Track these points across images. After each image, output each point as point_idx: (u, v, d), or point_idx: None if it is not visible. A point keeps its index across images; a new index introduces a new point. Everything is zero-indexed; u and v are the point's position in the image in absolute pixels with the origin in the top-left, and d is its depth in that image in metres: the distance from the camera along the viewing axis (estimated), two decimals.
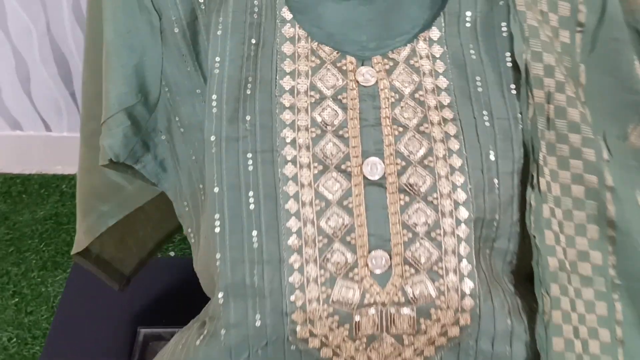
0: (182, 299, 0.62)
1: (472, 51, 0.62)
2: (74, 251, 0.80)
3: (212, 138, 0.58)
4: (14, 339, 1.47)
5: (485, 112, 0.60)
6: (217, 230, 0.57)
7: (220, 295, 0.58)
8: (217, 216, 0.57)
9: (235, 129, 0.58)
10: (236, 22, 0.60)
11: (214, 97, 0.59)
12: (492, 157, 0.59)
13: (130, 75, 0.61)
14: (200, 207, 0.60)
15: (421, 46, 0.61)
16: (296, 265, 0.57)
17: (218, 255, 0.57)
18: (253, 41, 0.60)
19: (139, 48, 0.61)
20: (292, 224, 0.57)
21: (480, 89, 0.61)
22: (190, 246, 0.67)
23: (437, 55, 0.61)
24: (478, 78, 0.61)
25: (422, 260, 0.58)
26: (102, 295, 0.97)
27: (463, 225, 0.58)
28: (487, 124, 0.60)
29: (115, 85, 0.61)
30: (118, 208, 0.77)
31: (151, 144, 0.62)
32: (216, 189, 0.57)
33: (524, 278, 0.64)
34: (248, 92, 0.59)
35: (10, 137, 1.68)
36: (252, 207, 0.57)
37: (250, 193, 0.58)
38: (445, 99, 0.60)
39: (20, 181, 1.78)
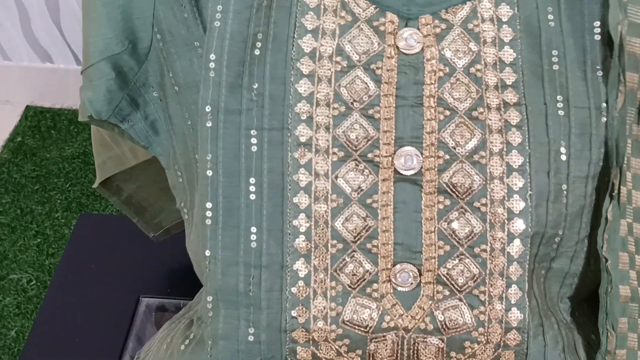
0: (189, 269, 0.53)
1: (550, 16, 0.48)
2: (95, 184, 0.72)
3: (208, 109, 0.47)
4: (34, 282, 1.42)
5: (560, 98, 0.47)
6: (209, 222, 0.46)
7: (209, 299, 0.48)
8: (209, 205, 0.46)
9: (237, 99, 0.47)
10: None
11: (212, 57, 0.47)
12: (563, 157, 0.46)
13: (115, 16, 0.49)
14: (195, 181, 0.49)
15: (485, 5, 0.48)
16: (302, 273, 0.46)
17: (208, 253, 0.46)
18: None
19: None
20: (301, 222, 0.46)
21: (556, 67, 0.48)
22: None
23: (505, 19, 0.48)
24: (555, 52, 0.48)
25: (460, 280, 0.46)
26: (105, 257, 0.88)
27: (517, 241, 0.46)
28: (561, 112, 0.47)
29: (96, 28, 0.49)
30: (113, 162, 0.67)
31: (141, 101, 0.51)
32: (209, 172, 0.46)
33: (583, 300, 0.52)
34: (257, 52, 0.47)
35: (40, 69, 1.60)
36: (252, 197, 0.46)
37: (252, 180, 0.46)
38: (510, 77, 0.47)
39: (50, 116, 1.71)
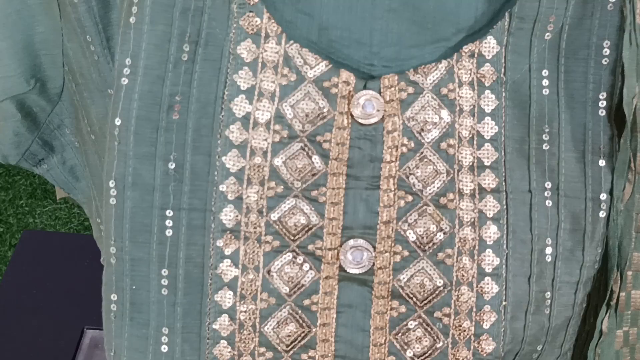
0: None
1: (545, 81, 0.39)
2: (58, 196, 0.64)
3: (112, 183, 0.38)
4: None
5: (548, 185, 0.38)
6: (114, 317, 0.38)
7: None
8: (114, 297, 0.38)
9: (149, 172, 0.38)
10: (161, 4, 0.38)
11: (118, 122, 0.38)
12: (548, 258, 0.38)
13: (17, 52, 0.42)
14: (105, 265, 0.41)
15: (464, 65, 0.38)
16: None
17: (112, 352, 0.38)
18: (188, 37, 0.38)
19: (27, 17, 0.40)
20: (223, 324, 0.38)
21: (547, 146, 0.39)
22: None
23: (488, 83, 0.39)
24: (547, 128, 0.39)
25: None
26: (48, 281, 0.80)
27: None
28: (548, 202, 0.38)
29: None
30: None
31: (56, 144, 0.45)
32: (113, 259, 0.38)
33: None
34: (175, 117, 0.38)
35: None
36: (164, 292, 0.38)
37: (164, 271, 0.38)
38: (489, 156, 0.38)
39: None
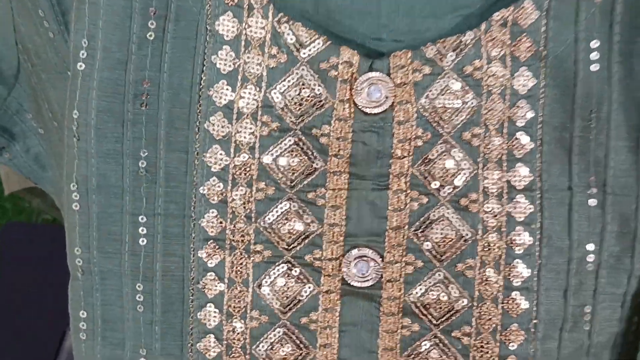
0: None
1: (594, 55, 0.32)
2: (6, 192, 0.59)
3: (73, 186, 0.32)
4: None
5: (593, 181, 0.32)
6: (84, 336, 0.34)
7: None
8: (83, 314, 0.34)
9: (116, 172, 0.32)
10: None
11: (76, 114, 0.32)
12: (590, 266, 0.32)
13: None
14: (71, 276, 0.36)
15: (495, 36, 0.32)
16: None
17: None
18: (153, 11, 0.31)
19: None
20: (209, 346, 0.33)
21: (593, 134, 0.32)
22: None
23: (524, 58, 0.32)
24: (594, 112, 0.32)
25: None
26: (30, 279, 0.76)
27: None
28: (592, 202, 0.32)
29: None
30: (17, 176, 0.54)
31: (17, 131, 0.40)
32: (79, 273, 0.33)
33: None
34: (143, 107, 0.32)
35: None
36: (140, 309, 0.33)
37: (139, 286, 0.33)
38: (522, 147, 0.32)
39: None
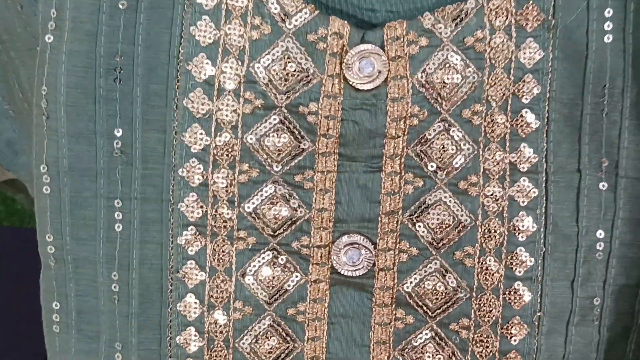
0: None
1: (608, 25, 0.29)
2: None
3: (43, 168, 0.30)
4: None
5: (605, 162, 0.30)
6: (57, 329, 0.32)
7: None
8: (55, 305, 0.32)
9: (89, 153, 0.30)
10: None
11: (44, 91, 0.30)
12: (599, 255, 0.30)
13: None
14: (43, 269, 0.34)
15: (499, 4, 0.29)
16: None
17: None
18: None
19: None
20: (189, 339, 0.31)
21: (605, 112, 0.30)
22: None
23: (530, 28, 0.29)
24: (608, 88, 0.29)
25: None
26: (16, 290, 0.72)
27: None
28: (603, 185, 0.30)
29: None
30: None
31: None
32: (52, 261, 0.31)
33: None
34: (117, 83, 0.30)
35: None
36: (115, 300, 0.31)
37: (115, 275, 0.31)
38: (528, 125, 0.30)
39: None
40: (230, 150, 0.30)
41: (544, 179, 0.30)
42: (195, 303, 0.31)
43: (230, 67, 0.29)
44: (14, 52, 0.33)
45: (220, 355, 0.31)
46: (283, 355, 0.31)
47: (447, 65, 0.29)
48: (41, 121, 0.30)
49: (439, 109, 0.30)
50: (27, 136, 0.35)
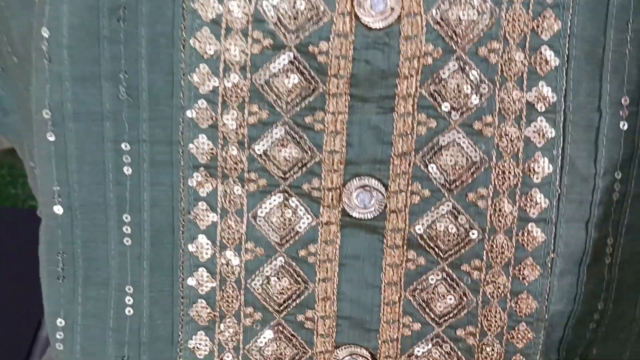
0: None
1: None
2: None
3: (47, 114, 0.30)
4: None
5: (626, 101, 0.29)
6: (61, 279, 0.32)
7: None
8: (60, 256, 0.32)
9: (95, 97, 0.30)
10: None
11: (46, 33, 0.29)
12: (615, 195, 0.29)
13: None
14: (44, 218, 0.34)
15: None
16: (201, 354, 0.32)
17: (61, 322, 0.33)
18: None
19: None
20: (201, 280, 0.31)
21: (629, 49, 0.29)
22: None
23: None
24: (632, 23, 0.28)
25: None
26: (5, 265, 0.73)
27: (522, 325, 0.31)
28: (623, 125, 0.29)
29: None
30: None
31: None
32: (58, 209, 0.31)
33: None
34: (121, 23, 0.29)
35: None
36: (127, 242, 0.31)
37: (126, 217, 0.31)
38: (547, 63, 0.29)
39: None
40: (239, 91, 0.29)
41: (562, 118, 0.29)
42: (207, 244, 0.31)
43: (238, 6, 0.28)
44: (3, 2, 0.31)
45: (232, 297, 0.32)
46: (294, 296, 0.31)
47: (463, 0, 0.28)
48: (42, 65, 0.29)
49: (454, 47, 0.29)
50: (16, 93, 0.34)
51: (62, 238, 0.32)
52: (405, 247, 0.31)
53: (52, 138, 0.30)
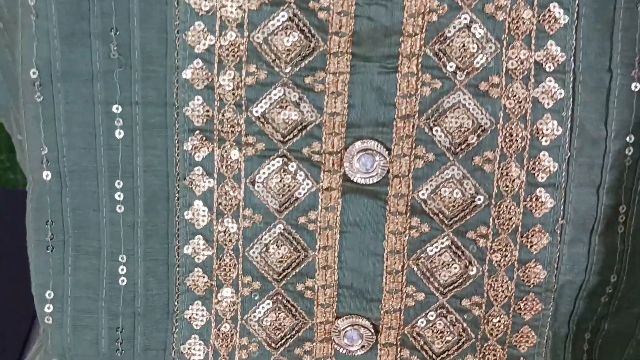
0: None
1: None
2: None
3: (34, 73, 0.29)
4: None
5: (638, 60, 0.27)
6: (49, 249, 0.31)
7: None
8: (49, 224, 0.31)
9: (84, 55, 0.28)
10: None
11: None
12: (628, 160, 0.28)
13: None
14: (31, 183, 0.33)
15: None
16: (197, 324, 0.31)
17: (50, 294, 0.32)
18: None
19: None
20: (197, 249, 0.30)
21: None
22: None
23: None
24: None
25: (437, 345, 0.31)
26: (6, 248, 0.71)
27: (531, 296, 0.30)
28: (635, 86, 0.28)
29: None
30: None
31: None
32: (47, 174, 0.30)
33: None
34: None
35: None
36: (120, 209, 0.30)
37: (119, 183, 0.30)
38: (555, 21, 0.28)
39: None
40: (236, 50, 0.28)
41: (572, 79, 0.28)
42: (204, 211, 0.30)
43: None
44: None
45: (229, 265, 0.30)
46: (294, 265, 0.30)
47: None
48: (29, 21, 0.28)
49: (460, 4, 0.27)
50: (0, 62, 0.32)
51: (51, 206, 0.30)
52: (408, 214, 0.29)
53: (40, 99, 0.29)
